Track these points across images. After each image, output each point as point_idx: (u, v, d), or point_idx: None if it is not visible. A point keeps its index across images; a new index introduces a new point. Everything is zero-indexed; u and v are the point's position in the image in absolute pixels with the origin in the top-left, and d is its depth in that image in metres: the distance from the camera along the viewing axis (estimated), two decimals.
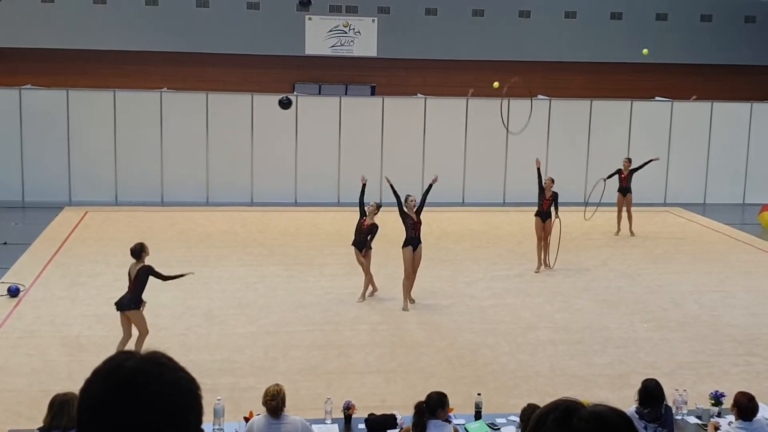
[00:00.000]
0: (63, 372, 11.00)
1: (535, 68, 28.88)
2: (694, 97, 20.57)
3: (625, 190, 19.86)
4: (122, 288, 14.68)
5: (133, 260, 11.32)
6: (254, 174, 22.93)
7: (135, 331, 11.28)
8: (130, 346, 11.06)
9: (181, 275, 11.78)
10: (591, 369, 11.69)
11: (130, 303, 11.19)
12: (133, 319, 11.21)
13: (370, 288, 14.65)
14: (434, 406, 7.89)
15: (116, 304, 11.33)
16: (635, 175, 19.94)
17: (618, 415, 1.97)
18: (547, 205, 16.66)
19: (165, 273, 11.52)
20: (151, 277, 11.31)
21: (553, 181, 16.87)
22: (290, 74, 28.36)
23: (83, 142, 22.31)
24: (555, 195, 16.68)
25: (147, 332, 11.25)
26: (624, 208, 19.92)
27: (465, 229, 20.30)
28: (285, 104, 12.38)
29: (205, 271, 15.97)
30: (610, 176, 19.68)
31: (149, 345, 10.93)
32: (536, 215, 16.83)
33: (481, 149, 23.61)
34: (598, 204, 19.65)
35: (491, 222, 21.16)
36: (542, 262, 16.74)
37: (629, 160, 20.12)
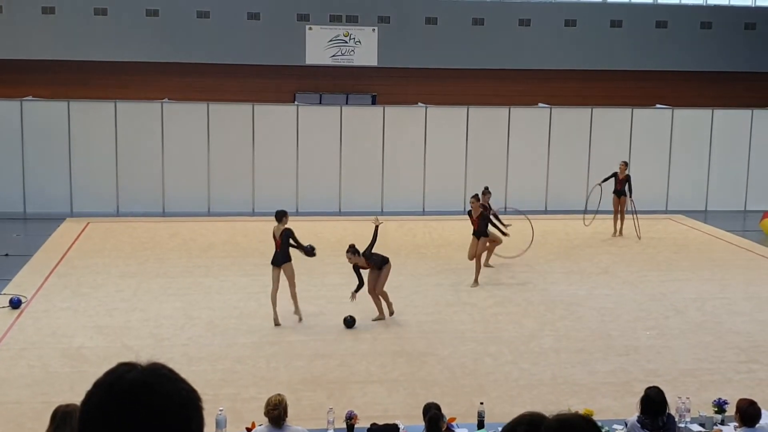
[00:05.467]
0: (65, 383, 10.99)
1: (535, 76, 28.95)
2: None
3: (619, 192, 20.08)
4: (124, 299, 14.81)
5: (276, 224, 13.67)
6: (255, 184, 22.92)
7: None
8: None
9: (304, 248, 13.65)
10: (593, 377, 11.67)
11: (284, 258, 13.54)
12: (287, 270, 13.56)
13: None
14: (439, 415, 7.89)
15: (272, 262, 13.63)
16: (635, 182, 20.17)
17: (583, 419, 1.98)
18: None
19: (296, 242, 13.61)
20: None
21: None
22: (291, 84, 28.43)
23: (84, 153, 22.31)
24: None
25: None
26: (620, 209, 20.21)
27: (466, 237, 20.24)
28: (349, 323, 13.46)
29: (206, 282, 15.98)
30: (605, 180, 20.02)
31: (151, 356, 10.93)
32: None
33: (482, 157, 23.58)
34: (596, 211, 19.70)
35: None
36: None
37: (626, 164, 20.40)
